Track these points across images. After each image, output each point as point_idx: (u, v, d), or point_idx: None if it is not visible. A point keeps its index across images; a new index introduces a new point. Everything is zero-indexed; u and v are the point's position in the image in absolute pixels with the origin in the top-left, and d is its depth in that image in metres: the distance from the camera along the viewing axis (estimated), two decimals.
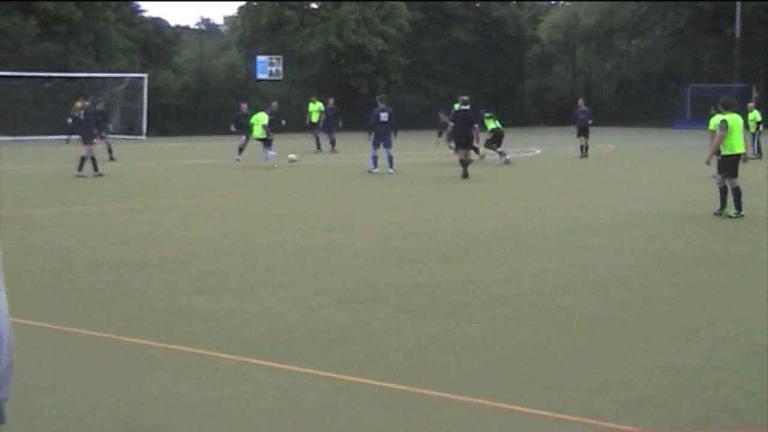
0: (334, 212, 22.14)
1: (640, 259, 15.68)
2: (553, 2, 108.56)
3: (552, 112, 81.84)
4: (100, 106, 38.43)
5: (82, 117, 34.53)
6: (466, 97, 32.68)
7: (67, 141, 38.61)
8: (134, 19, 79.24)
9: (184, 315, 11.43)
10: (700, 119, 68.88)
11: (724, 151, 21.13)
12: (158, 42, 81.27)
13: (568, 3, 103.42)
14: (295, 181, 30.50)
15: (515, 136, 58.02)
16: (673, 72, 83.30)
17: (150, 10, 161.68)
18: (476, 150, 35.63)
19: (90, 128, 33.08)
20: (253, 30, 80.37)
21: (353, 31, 76.02)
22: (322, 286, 13.21)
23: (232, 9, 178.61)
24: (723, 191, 21.10)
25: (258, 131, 35.58)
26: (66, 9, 65.05)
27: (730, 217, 20.75)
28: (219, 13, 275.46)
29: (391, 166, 32.53)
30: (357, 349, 9.90)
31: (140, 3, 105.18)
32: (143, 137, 58.11)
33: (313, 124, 47.06)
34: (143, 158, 38.33)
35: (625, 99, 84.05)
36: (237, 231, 19.00)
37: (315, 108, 47.17)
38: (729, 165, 21.06)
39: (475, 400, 8.15)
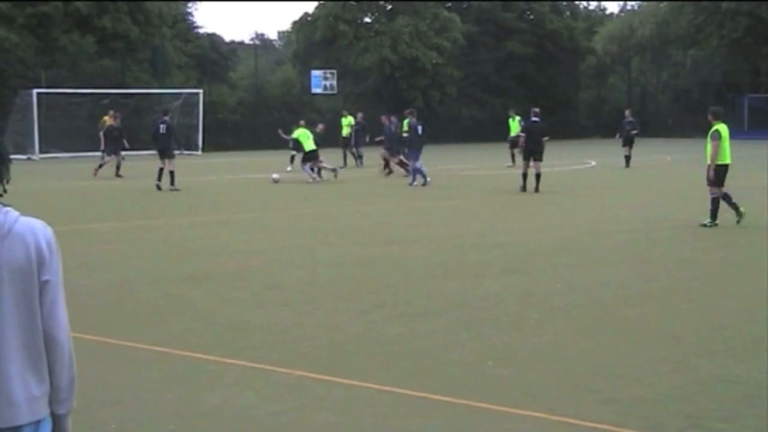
0: (391, 225, 22.12)
1: (700, 271, 15.55)
2: (607, 13, 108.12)
3: (607, 124, 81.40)
4: (116, 122, 38.77)
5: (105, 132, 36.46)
6: (537, 109, 32.17)
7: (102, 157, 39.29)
8: (190, 35, 79.80)
9: (244, 329, 11.46)
10: (758, 130, 68.23)
11: (716, 162, 21.24)
12: (214, 58, 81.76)
13: (623, 14, 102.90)
14: (349, 195, 30.52)
15: (570, 148, 57.83)
16: (730, 82, 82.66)
17: (206, 27, 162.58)
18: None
19: (111, 142, 36.74)
20: (308, 44, 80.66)
21: (407, 44, 76.09)
22: (381, 300, 13.20)
23: (286, 24, 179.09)
24: (725, 200, 21.24)
25: (310, 145, 35.62)
26: (123, 26, 65.63)
27: (704, 225, 20.93)
28: (273, 29, 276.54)
29: (416, 179, 33.09)
30: (416, 363, 9.87)
31: (196, 19, 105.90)
32: (199, 152, 58.46)
33: (344, 138, 46.66)
34: (200, 173, 38.52)
35: (682, 110, 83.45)
36: (295, 245, 19.02)
37: (346, 122, 46.80)
38: (717, 175, 21.15)
39: (535, 414, 8.11)
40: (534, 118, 31.34)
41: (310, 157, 35.38)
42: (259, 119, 68.45)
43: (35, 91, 55.90)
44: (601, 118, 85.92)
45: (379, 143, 39.99)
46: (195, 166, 43.80)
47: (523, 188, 30.10)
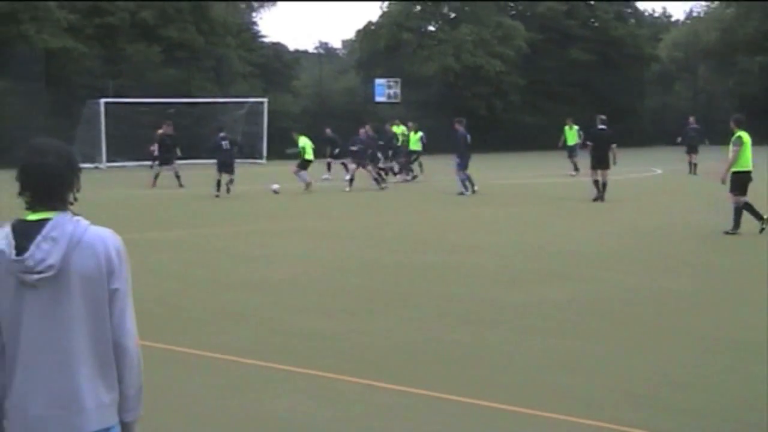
0: (452, 232, 22.10)
1: (766, 279, 15.38)
2: (672, 20, 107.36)
3: (672, 132, 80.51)
4: (168, 130, 38.99)
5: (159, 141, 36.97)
6: (603, 116, 31.60)
7: (151, 166, 39.68)
8: (254, 44, 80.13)
9: (310, 336, 11.51)
10: None
11: (736, 168, 21.20)
12: (278, 66, 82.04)
13: (688, 20, 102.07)
14: (408, 202, 30.52)
15: (635, 156, 57.43)
16: None
17: (270, 36, 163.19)
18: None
19: (165, 151, 37.86)
20: (371, 53, 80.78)
21: (470, 52, 76.03)
22: (446, 307, 13.21)
23: (349, 33, 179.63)
24: (746, 208, 21.21)
25: (310, 155, 35.88)
26: (188, 36, 66.17)
27: (727, 233, 20.89)
28: (337, 38, 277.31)
29: (466, 188, 32.96)
30: (481, 371, 9.87)
31: (260, 28, 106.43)
32: (263, 161, 58.68)
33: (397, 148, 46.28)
34: (263, 181, 38.63)
35: (749, 117, 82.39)
36: (357, 252, 19.07)
37: (399, 131, 46.23)
38: (739, 181, 21.12)
39: (600, 424, 8.08)
40: (601, 126, 30.81)
41: (306, 165, 35.62)
42: (322, 127, 68.58)
43: (102, 100, 56.47)
44: (666, 125, 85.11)
45: (353, 153, 39.90)
46: (258, 175, 43.97)
47: (599, 197, 29.73)
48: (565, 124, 45.74)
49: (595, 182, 29.97)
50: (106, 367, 4.20)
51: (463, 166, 33.19)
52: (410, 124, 45.74)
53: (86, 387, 4.13)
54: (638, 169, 46.53)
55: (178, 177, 37.66)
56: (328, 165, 43.02)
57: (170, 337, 11.44)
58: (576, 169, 41.94)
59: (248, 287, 15.08)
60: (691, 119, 45.01)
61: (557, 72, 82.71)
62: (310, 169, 36.31)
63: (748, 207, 21.27)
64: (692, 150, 42.14)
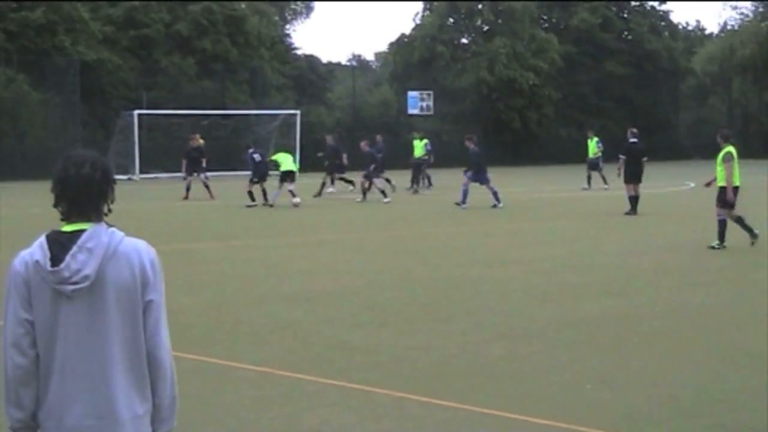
0: (489, 247, 22.04)
1: None
2: (707, 33, 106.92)
3: (707, 145, 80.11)
4: (195, 143, 39.09)
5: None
6: (635, 129, 31.45)
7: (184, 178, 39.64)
8: (288, 56, 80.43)
9: (344, 349, 11.48)
10: None
11: (723, 183, 21.49)
12: (311, 78, 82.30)
13: (722, 34, 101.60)
14: (445, 216, 30.44)
15: (670, 170, 57.22)
16: None
17: (303, 48, 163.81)
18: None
19: (191, 163, 38.26)
20: (405, 66, 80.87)
21: (504, 65, 75.96)
22: (481, 321, 13.14)
23: (383, 45, 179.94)
24: (738, 222, 21.48)
25: (288, 165, 35.25)
26: (222, 47, 66.45)
27: (713, 248, 21.02)
28: (370, 50, 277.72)
29: (498, 200, 32.67)
30: (516, 385, 9.80)
31: (294, 41, 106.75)
32: (297, 173, 58.69)
33: (416, 160, 45.61)
34: (298, 193, 38.69)
35: None
36: (394, 265, 19.02)
37: (420, 144, 45.58)
38: (726, 197, 21.36)
39: None
40: (633, 139, 30.69)
41: (285, 177, 34.88)
42: (357, 140, 68.66)
43: (136, 112, 56.77)
44: (702, 139, 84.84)
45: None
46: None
47: (633, 210, 29.59)
48: (586, 137, 45.38)
49: (631, 197, 29.84)
50: (140, 378, 4.20)
51: (475, 178, 32.97)
52: (414, 133, 45.84)
53: (121, 398, 4.13)
54: (672, 183, 46.35)
55: (207, 188, 37.62)
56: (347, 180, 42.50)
57: (204, 348, 11.43)
58: (590, 183, 41.44)
59: (284, 299, 15.07)
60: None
61: (592, 85, 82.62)
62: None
63: (740, 221, 21.45)
64: None
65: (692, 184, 46.10)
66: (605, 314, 13.60)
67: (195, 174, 38.14)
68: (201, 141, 39.54)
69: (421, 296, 15.29)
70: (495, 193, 32.72)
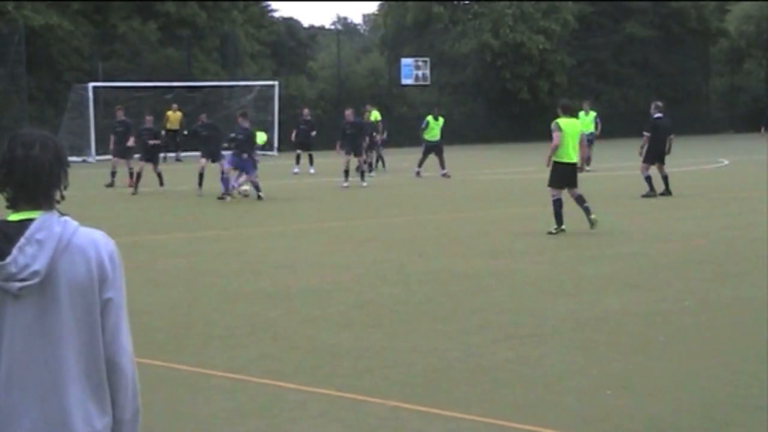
0: (495, 234, 22.04)
1: None
2: None
3: (743, 117, 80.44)
4: (119, 115, 38.60)
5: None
6: (660, 103, 31.16)
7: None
8: (264, 20, 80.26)
9: (330, 353, 11.51)
10: None
11: (555, 159, 21.79)
12: (291, 45, 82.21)
13: None
14: (445, 200, 30.47)
15: (700, 144, 57.27)
16: None
17: (281, 10, 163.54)
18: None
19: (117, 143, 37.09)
20: (397, 29, 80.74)
21: (510, 28, 75.79)
22: (486, 320, 13.18)
23: (372, 6, 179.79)
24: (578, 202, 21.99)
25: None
26: (189, 11, 66.14)
27: (550, 233, 21.49)
28: (357, 12, 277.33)
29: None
30: (526, 392, 9.84)
31: (271, 2, 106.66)
32: (275, 153, 58.58)
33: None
34: (276, 176, 38.70)
35: None
36: (386, 257, 19.05)
37: (372, 118, 44.92)
38: (558, 175, 21.77)
39: None
40: (658, 114, 30.54)
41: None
42: (343, 114, 68.65)
43: (91, 84, 56.47)
44: (736, 109, 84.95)
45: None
46: (270, 168, 44.00)
47: (651, 192, 29.61)
48: (580, 109, 43.79)
49: (647, 178, 29.81)
50: (98, 388, 4.17)
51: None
52: (435, 109, 45.34)
53: (76, 410, 4.11)
54: (703, 160, 46.40)
55: (136, 175, 36.21)
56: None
57: (173, 354, 11.46)
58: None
59: (263, 297, 15.10)
60: None
61: (610, 49, 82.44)
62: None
63: (580, 200, 22.07)
64: None
65: (725, 162, 46.21)
66: (627, 310, 13.64)
67: (138, 158, 36.73)
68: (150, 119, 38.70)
69: (417, 293, 15.31)
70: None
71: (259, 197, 30.62)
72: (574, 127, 22.06)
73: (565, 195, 21.62)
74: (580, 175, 22.04)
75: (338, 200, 31.31)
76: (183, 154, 53.77)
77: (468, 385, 10.08)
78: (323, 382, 10.20)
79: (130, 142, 36.71)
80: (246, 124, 32.23)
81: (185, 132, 50.07)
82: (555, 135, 21.67)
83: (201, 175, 32.37)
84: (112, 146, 38.11)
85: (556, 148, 21.67)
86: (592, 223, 21.75)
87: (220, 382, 10.37)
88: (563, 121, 21.82)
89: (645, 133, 30.85)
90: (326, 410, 9.37)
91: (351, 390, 9.91)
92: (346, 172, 35.31)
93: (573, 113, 22.49)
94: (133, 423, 4.32)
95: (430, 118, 41.59)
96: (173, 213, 28.12)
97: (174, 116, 53.45)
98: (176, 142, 53.42)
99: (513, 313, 13.64)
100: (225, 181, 31.37)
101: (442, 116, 43.08)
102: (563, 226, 21.62)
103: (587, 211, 21.88)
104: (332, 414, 9.25)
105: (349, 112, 37.62)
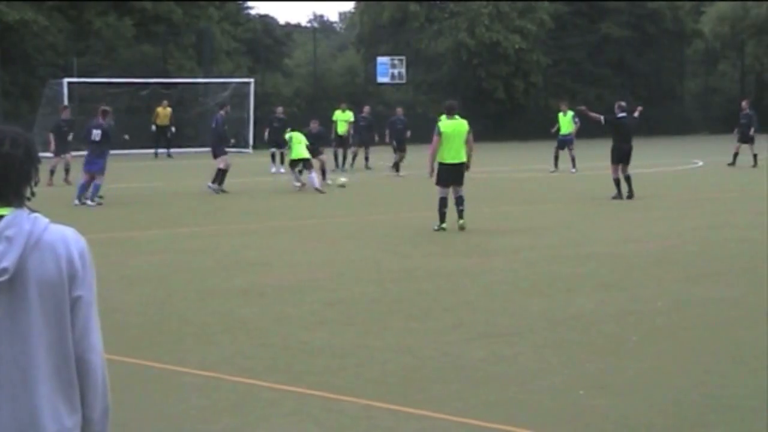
0: (470, 234, 22.02)
1: None
2: None
3: (717, 118, 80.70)
4: (65, 114, 37.97)
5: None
6: (623, 103, 31.19)
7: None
8: (240, 17, 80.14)
9: (303, 351, 11.49)
10: None
11: (439, 160, 22.55)
12: (267, 43, 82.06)
13: None
14: (422, 199, 30.43)
15: (674, 145, 57.44)
16: None
17: (257, 8, 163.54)
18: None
19: (60, 139, 35.99)
20: (374, 28, 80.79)
21: (486, 27, 75.92)
22: (460, 318, 13.18)
23: (348, 5, 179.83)
24: (449, 202, 22.49)
25: (300, 152, 33.98)
26: (165, 8, 65.98)
27: (435, 230, 22.19)
28: (334, 10, 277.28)
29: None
30: (499, 391, 9.85)
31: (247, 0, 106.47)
32: (250, 150, 58.54)
33: (339, 136, 44.92)
34: (250, 173, 38.68)
35: None
36: (360, 255, 19.04)
37: (344, 118, 45.10)
38: (442, 174, 22.49)
39: None
40: (621, 114, 30.29)
41: (294, 165, 34.04)
42: (318, 112, 68.45)
43: (66, 80, 56.31)
44: (710, 110, 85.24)
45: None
46: (245, 166, 43.97)
47: (619, 195, 29.52)
48: (559, 110, 43.86)
49: (617, 180, 29.67)
50: (68, 386, 4.14)
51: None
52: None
53: (46, 408, 4.08)
54: (677, 161, 46.53)
55: (67, 171, 36.00)
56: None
57: (146, 351, 11.42)
58: (557, 165, 40.33)
59: (236, 295, 15.06)
60: (744, 104, 44.72)
61: (586, 49, 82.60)
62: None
63: (443, 202, 22.49)
64: (748, 140, 41.85)
65: (700, 162, 46.35)
66: (601, 310, 13.67)
67: (64, 152, 36.00)
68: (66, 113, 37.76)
69: (391, 291, 15.31)
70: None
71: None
72: (456, 128, 22.58)
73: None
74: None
75: (313, 198, 31.23)
76: (173, 150, 53.82)
77: (441, 384, 10.07)
78: (296, 380, 10.18)
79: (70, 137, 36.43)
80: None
81: (173, 128, 50.15)
82: (434, 139, 22.48)
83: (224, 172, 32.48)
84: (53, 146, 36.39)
85: (434, 152, 22.48)
86: (460, 227, 22.34)
87: (193, 380, 10.34)
88: (444, 124, 22.49)
89: (601, 122, 30.59)
90: (299, 408, 9.35)
91: (324, 388, 9.89)
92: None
93: (453, 114, 22.85)
94: (103, 421, 4.29)
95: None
96: (147, 209, 28.04)
97: (164, 112, 53.34)
98: (167, 138, 53.42)
99: (487, 312, 13.65)
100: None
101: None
102: (444, 225, 22.20)
103: (460, 213, 22.47)
104: (305, 412, 9.23)
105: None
